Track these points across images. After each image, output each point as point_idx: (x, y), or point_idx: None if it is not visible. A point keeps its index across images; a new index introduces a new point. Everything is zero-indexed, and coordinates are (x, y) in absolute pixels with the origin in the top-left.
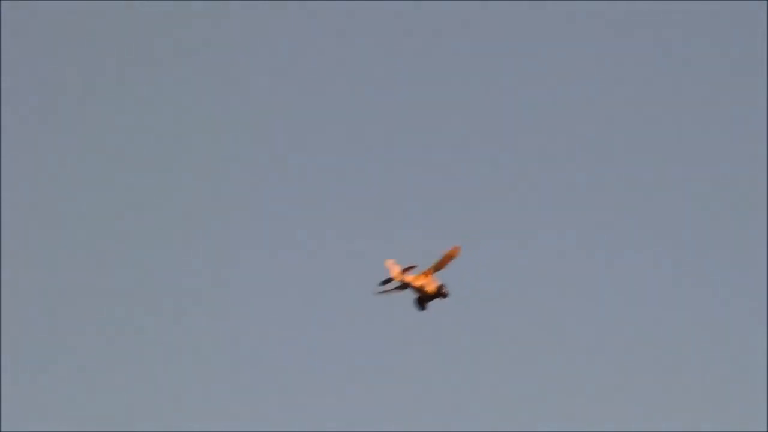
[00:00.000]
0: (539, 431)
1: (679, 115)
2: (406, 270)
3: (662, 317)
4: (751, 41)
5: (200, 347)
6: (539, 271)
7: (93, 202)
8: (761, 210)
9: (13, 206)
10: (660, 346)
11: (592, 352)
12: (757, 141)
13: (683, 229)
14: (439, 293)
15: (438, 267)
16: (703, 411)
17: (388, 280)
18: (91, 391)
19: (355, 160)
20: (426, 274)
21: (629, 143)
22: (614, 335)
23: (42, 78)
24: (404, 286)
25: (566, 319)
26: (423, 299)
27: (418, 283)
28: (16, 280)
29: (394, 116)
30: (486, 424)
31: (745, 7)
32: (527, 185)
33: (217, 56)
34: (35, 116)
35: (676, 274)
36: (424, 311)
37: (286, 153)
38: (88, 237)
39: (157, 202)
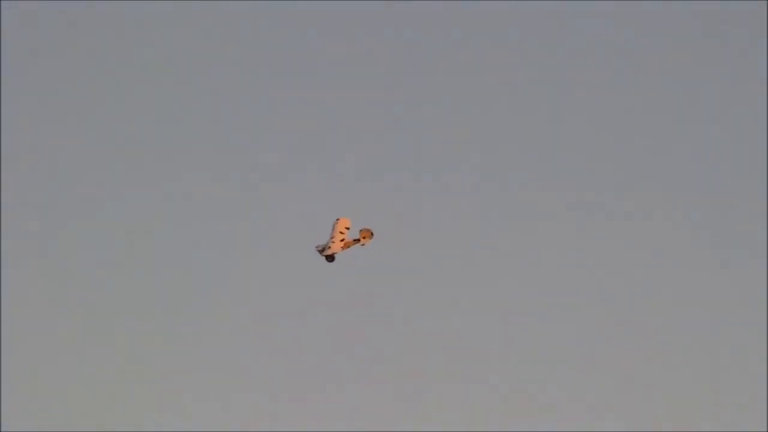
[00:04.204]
0: (536, 431)
1: (678, 116)
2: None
3: (660, 316)
4: (751, 41)
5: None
6: (536, 271)
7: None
8: (761, 215)
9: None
10: (659, 345)
11: (591, 352)
12: (757, 142)
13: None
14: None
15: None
16: (703, 411)
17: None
18: (91, 391)
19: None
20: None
21: (627, 146)
22: (612, 334)
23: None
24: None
25: (561, 317)
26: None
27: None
28: (17, 279)
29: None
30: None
31: (745, 7)
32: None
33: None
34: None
35: (675, 273)
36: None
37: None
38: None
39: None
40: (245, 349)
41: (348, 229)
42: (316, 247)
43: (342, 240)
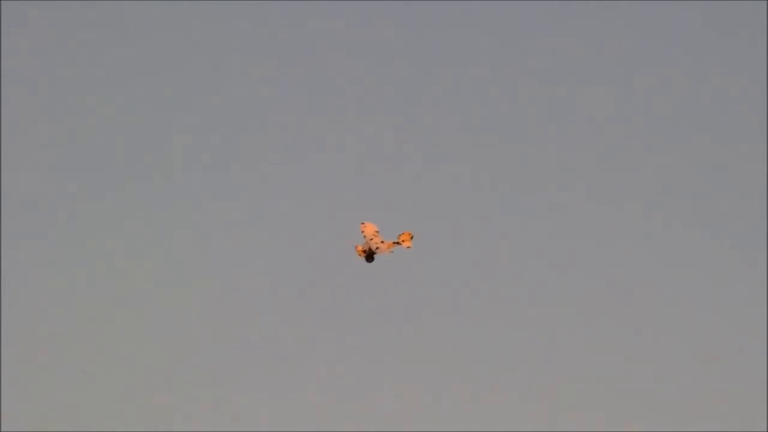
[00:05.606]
0: (537, 431)
1: (678, 116)
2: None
3: (660, 316)
4: (751, 41)
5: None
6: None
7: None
8: (761, 214)
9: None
10: (659, 345)
11: (590, 352)
12: (758, 143)
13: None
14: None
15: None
16: (703, 411)
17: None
18: (91, 391)
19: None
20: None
21: (628, 149)
22: (612, 333)
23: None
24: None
25: (560, 318)
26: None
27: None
28: (17, 279)
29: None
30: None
31: (745, 7)
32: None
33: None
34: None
35: (675, 273)
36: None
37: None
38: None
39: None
40: (245, 348)
41: (378, 232)
42: (357, 246)
43: (382, 242)
